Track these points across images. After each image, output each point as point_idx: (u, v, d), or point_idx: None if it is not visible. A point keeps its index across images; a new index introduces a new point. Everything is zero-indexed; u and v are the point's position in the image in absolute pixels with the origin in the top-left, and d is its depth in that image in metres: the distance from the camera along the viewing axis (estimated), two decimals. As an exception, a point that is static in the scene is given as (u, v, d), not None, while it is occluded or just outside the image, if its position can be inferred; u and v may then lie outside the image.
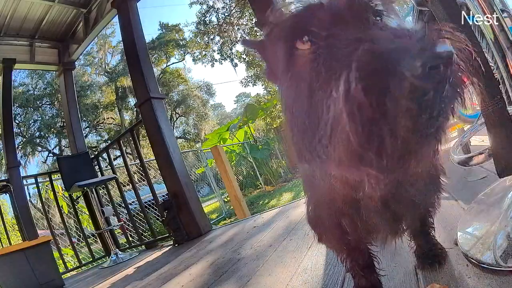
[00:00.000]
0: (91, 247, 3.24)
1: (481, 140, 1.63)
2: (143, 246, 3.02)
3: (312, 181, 0.58)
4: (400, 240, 0.66)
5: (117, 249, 2.88)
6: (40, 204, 3.36)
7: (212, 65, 14.92)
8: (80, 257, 3.14)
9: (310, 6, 0.41)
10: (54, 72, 3.83)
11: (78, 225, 3.35)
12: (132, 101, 14.51)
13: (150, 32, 18.99)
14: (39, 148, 13.85)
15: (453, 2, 0.74)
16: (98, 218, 3.05)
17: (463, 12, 0.70)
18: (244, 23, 14.07)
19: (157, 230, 3.45)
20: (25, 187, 3.20)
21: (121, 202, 3.50)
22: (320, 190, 0.57)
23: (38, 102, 13.46)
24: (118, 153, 9.52)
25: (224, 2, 13.93)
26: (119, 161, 10.32)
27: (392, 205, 0.53)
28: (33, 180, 3.25)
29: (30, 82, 13.36)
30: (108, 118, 15.18)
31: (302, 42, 0.41)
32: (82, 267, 3.09)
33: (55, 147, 14.15)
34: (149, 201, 3.96)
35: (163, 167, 2.67)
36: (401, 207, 0.54)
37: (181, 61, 16.42)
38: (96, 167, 3.27)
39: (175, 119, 16.40)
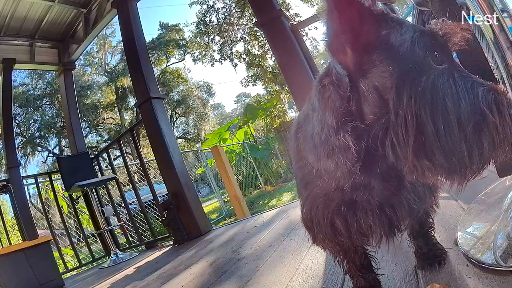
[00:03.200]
0: (91, 247, 3.24)
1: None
2: (143, 246, 3.02)
3: (308, 181, 0.58)
4: (400, 240, 0.66)
5: (117, 249, 2.88)
6: (40, 204, 3.36)
7: (212, 65, 14.94)
8: (80, 257, 3.14)
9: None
10: (54, 72, 3.83)
11: (78, 225, 3.35)
12: (132, 101, 14.51)
13: (150, 32, 19.01)
14: (39, 148, 13.85)
15: (453, 2, 0.74)
16: (98, 218, 3.05)
17: (463, 12, 0.70)
18: (244, 23, 14.08)
19: (157, 230, 3.45)
20: (25, 187, 3.20)
21: (121, 202, 3.50)
22: (316, 189, 0.57)
23: (38, 102, 13.45)
24: (118, 153, 9.53)
25: (224, 2, 13.94)
26: (119, 161, 10.32)
27: (388, 208, 0.53)
28: (33, 180, 3.26)
29: (30, 82, 13.36)
30: (108, 118, 15.18)
31: None
32: (82, 267, 3.09)
33: (55, 147, 14.15)
34: (149, 201, 3.97)
35: (163, 167, 2.67)
36: (398, 210, 0.53)
37: (181, 61, 16.43)
38: (96, 167, 3.27)
39: (175, 119, 16.39)
